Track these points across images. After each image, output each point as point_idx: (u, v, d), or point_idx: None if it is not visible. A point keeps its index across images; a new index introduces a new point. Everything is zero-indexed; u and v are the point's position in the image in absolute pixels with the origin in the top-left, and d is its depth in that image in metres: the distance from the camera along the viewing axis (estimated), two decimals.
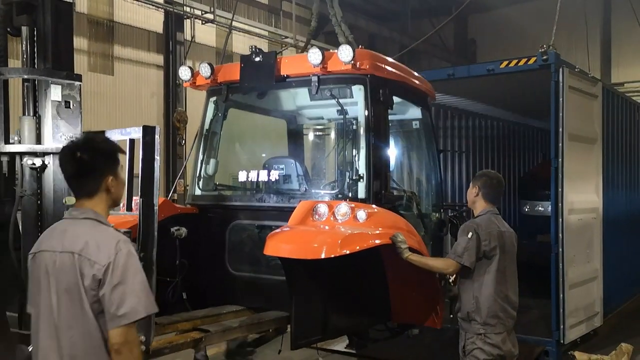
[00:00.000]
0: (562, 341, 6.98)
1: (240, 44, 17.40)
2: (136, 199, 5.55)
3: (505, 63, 7.45)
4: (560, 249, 6.98)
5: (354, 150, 5.05)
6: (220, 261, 5.35)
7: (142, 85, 16.82)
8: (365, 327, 5.58)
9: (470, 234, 4.34)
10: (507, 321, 4.40)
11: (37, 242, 2.73)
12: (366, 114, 4.98)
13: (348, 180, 4.99)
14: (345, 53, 4.77)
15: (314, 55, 4.88)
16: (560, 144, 6.96)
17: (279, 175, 5.23)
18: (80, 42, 21.59)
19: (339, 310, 4.82)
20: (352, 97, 5.18)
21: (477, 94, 9.48)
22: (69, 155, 2.63)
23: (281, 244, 4.18)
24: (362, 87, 5.01)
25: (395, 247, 4.36)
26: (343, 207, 4.44)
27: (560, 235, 6.98)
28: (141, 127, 3.69)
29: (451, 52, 23.40)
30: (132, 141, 3.91)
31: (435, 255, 6.05)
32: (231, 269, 5.33)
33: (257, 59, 5.19)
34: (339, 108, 5.21)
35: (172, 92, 15.99)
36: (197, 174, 5.69)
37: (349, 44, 5.02)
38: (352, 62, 4.78)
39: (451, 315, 6.10)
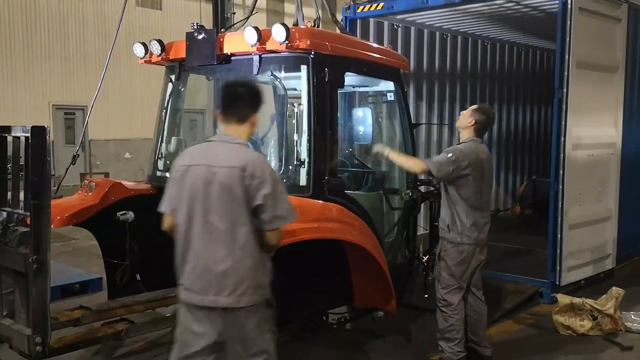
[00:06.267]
0: (557, 282, 6.65)
1: None
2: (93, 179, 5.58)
3: None
4: (560, 187, 6.54)
5: (296, 133, 4.79)
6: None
7: (190, 20, 16.92)
8: (325, 309, 5.44)
9: (450, 154, 4.86)
10: (479, 235, 4.93)
11: (187, 158, 3.35)
12: (309, 94, 4.67)
13: (290, 166, 4.76)
14: (278, 33, 4.47)
15: (250, 35, 4.59)
16: (566, 73, 6.39)
17: None
18: None
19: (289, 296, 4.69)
20: (300, 77, 4.87)
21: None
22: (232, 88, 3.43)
23: None
24: (305, 66, 4.70)
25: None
26: None
27: (561, 171, 6.51)
28: (30, 128, 3.57)
29: None
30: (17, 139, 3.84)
31: (407, 233, 5.80)
32: None
33: (200, 36, 4.96)
34: (297, 88, 4.94)
35: (220, 25, 15.55)
36: (156, 153, 5.60)
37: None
38: (287, 42, 4.49)
39: (426, 295, 5.89)
